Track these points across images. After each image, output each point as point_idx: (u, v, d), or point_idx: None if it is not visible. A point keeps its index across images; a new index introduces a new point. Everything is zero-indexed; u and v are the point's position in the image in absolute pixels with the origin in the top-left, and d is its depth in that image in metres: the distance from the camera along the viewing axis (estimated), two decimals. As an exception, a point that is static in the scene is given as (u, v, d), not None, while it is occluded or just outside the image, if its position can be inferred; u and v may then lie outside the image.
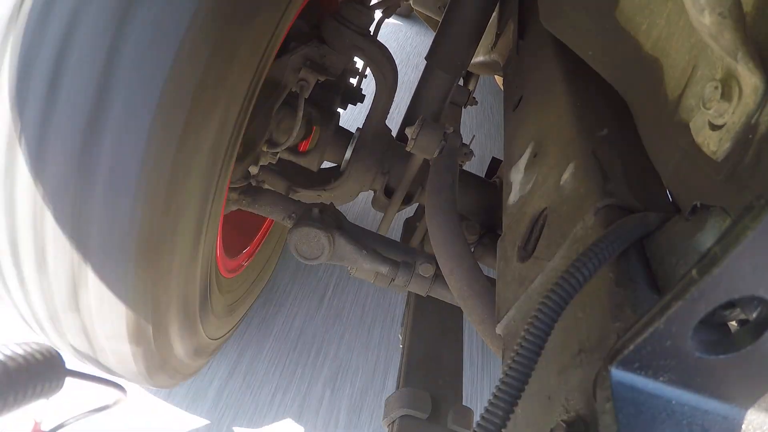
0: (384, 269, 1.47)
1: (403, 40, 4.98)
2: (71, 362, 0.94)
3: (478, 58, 1.92)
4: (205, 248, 1.21)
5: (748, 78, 0.49)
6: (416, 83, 1.71)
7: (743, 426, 0.48)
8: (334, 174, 1.75)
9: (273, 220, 2.01)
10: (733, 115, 0.52)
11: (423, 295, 1.52)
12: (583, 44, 0.94)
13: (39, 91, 0.88)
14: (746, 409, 0.48)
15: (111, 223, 0.94)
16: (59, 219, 0.94)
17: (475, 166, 3.24)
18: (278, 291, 2.43)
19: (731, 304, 0.44)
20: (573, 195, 0.74)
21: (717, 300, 0.43)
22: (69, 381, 0.80)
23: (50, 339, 1.18)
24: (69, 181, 0.91)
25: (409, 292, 1.65)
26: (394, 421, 1.28)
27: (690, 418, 0.47)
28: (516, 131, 1.20)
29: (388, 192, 1.73)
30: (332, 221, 1.45)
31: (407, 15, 5.25)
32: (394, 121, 1.73)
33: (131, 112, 0.89)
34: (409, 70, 4.45)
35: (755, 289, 0.42)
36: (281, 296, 2.42)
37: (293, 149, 1.67)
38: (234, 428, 1.90)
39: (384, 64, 1.61)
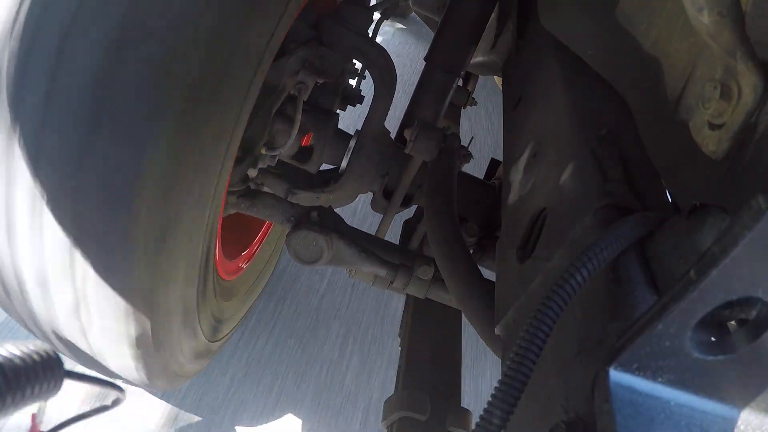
0: (383, 272, 1.47)
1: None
2: (69, 363, 0.94)
3: (478, 58, 1.92)
4: (203, 251, 1.21)
5: (747, 77, 0.49)
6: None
7: (742, 426, 0.48)
8: (333, 176, 1.74)
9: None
10: (733, 114, 0.52)
11: (422, 297, 1.52)
12: (582, 44, 0.94)
13: (37, 92, 0.88)
14: (745, 409, 0.48)
15: (109, 227, 0.94)
16: (57, 224, 0.94)
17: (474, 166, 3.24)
18: (280, 287, 2.43)
19: (730, 305, 0.44)
20: (572, 195, 0.73)
21: (716, 300, 0.42)
22: (67, 382, 0.80)
23: (50, 341, 1.18)
24: (66, 187, 0.91)
25: (408, 295, 1.65)
26: (393, 423, 1.28)
27: (688, 418, 0.47)
28: (515, 131, 1.20)
29: (387, 194, 1.73)
30: (331, 224, 1.45)
31: (405, 16, 5.24)
32: (394, 120, 1.73)
33: (127, 116, 0.89)
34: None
35: (754, 289, 0.42)
36: (282, 293, 2.42)
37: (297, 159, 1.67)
38: (236, 427, 1.90)
39: (382, 65, 1.61)
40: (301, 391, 2.10)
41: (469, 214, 1.73)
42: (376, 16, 1.79)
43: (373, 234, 1.62)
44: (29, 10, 0.90)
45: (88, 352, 1.16)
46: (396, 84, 1.67)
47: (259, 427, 1.93)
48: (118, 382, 1.10)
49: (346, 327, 2.41)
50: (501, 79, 1.89)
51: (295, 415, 2.01)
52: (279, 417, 1.98)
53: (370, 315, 2.51)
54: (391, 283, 1.49)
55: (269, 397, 2.04)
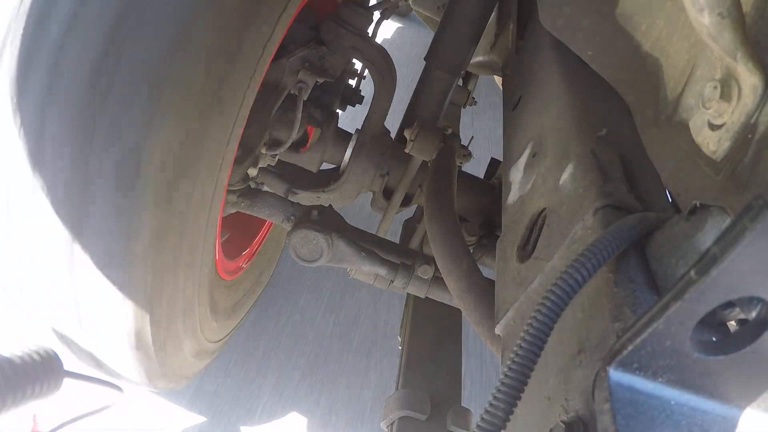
0: (383, 271, 1.47)
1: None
2: (69, 363, 0.94)
3: (477, 58, 1.92)
4: (203, 251, 1.21)
5: (748, 78, 0.49)
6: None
7: (742, 426, 0.48)
8: (333, 176, 1.74)
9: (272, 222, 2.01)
10: (733, 115, 0.52)
11: (422, 296, 1.52)
12: (582, 44, 0.94)
13: (37, 87, 0.88)
14: (745, 409, 0.48)
15: (110, 227, 0.94)
16: (58, 224, 0.94)
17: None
18: (283, 288, 2.43)
19: (730, 304, 0.44)
20: (572, 195, 0.73)
21: (716, 300, 0.42)
22: (67, 382, 0.80)
23: (50, 342, 1.17)
24: (68, 186, 0.91)
25: (408, 294, 1.65)
26: (393, 423, 1.28)
27: (689, 418, 0.47)
28: (515, 131, 1.20)
29: (387, 193, 1.73)
30: (331, 223, 1.45)
31: (405, 15, 5.24)
32: (394, 119, 1.73)
33: (129, 114, 0.89)
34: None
35: (754, 289, 0.41)
36: (284, 292, 2.42)
37: (294, 148, 1.67)
38: (241, 427, 1.90)
39: (382, 65, 1.61)
40: (306, 390, 2.10)
41: (469, 214, 1.73)
42: (376, 15, 1.79)
43: (374, 233, 1.62)
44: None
45: (90, 354, 1.16)
46: (396, 84, 1.67)
47: (263, 426, 1.93)
48: (118, 382, 1.10)
49: (350, 327, 2.41)
50: (501, 78, 1.89)
51: (299, 413, 2.01)
52: (283, 416, 1.98)
53: (372, 315, 2.51)
54: (392, 282, 1.49)
55: (274, 396, 2.04)
